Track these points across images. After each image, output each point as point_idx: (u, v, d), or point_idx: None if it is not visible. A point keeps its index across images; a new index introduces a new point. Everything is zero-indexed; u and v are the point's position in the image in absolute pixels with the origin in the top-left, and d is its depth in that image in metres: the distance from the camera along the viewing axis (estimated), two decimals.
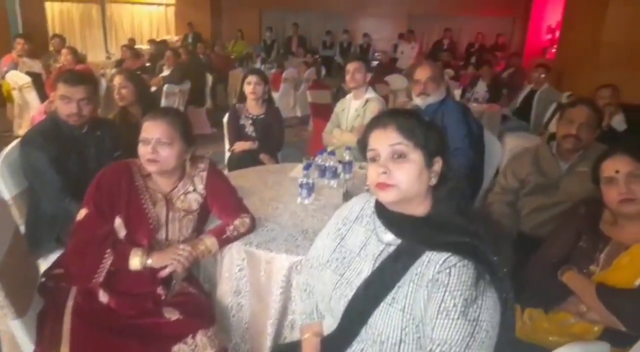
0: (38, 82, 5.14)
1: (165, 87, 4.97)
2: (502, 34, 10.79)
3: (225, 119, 3.21)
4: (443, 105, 2.42)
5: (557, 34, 9.98)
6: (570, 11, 5.83)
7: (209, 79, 6.48)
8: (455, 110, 2.37)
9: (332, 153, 2.34)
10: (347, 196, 2.07)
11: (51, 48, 6.55)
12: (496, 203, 2.13)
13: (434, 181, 1.12)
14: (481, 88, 5.59)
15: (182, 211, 1.67)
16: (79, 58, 4.78)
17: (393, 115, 1.15)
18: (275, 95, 7.96)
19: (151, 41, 9.96)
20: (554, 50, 9.93)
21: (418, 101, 2.47)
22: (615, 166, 1.46)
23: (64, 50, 4.70)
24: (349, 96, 3.24)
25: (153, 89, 5.22)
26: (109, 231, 1.56)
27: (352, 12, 12.40)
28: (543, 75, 5.03)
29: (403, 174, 1.08)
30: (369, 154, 1.15)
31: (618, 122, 3.67)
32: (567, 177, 1.92)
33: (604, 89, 3.65)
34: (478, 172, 2.40)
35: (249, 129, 3.08)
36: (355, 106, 3.14)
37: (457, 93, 5.11)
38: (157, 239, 1.63)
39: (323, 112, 5.49)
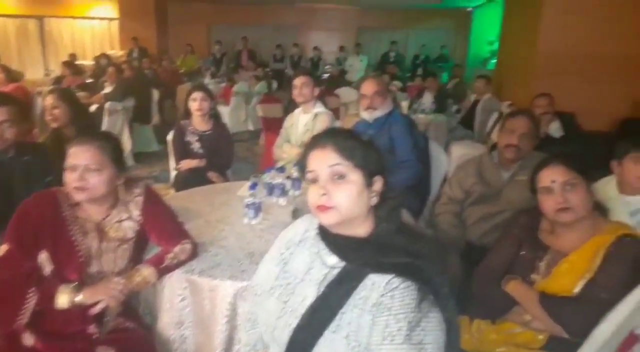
0: None
1: (107, 104, 4.76)
2: (445, 46, 11.25)
3: (170, 136, 3.09)
4: (390, 117, 2.45)
5: (496, 46, 10.53)
6: (507, 23, 6.13)
7: (155, 94, 6.28)
8: (402, 123, 2.40)
9: (282, 169, 2.29)
10: (297, 214, 2.02)
11: None
12: (444, 214, 2.16)
13: (374, 201, 1.10)
14: (427, 99, 5.74)
15: (116, 241, 1.56)
16: (12, 76, 4.48)
17: (331, 135, 1.12)
18: (226, 109, 7.89)
19: (96, 57, 9.58)
20: (494, 61, 10.44)
21: (366, 115, 2.48)
22: (551, 176, 1.50)
23: None
24: (297, 110, 3.22)
25: (94, 107, 4.98)
26: (32, 267, 1.43)
27: (302, 25, 12.52)
28: (484, 86, 5.24)
29: (343, 195, 1.05)
30: (308, 176, 1.11)
31: (555, 129, 3.85)
32: (508, 186, 1.97)
33: (541, 98, 3.82)
34: (425, 183, 2.43)
35: (196, 146, 2.98)
36: (305, 120, 3.12)
37: (404, 105, 5.22)
38: (89, 273, 1.51)
39: (274, 126, 5.44)
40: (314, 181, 1.09)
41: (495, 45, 10.43)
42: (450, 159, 4.96)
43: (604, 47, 4.66)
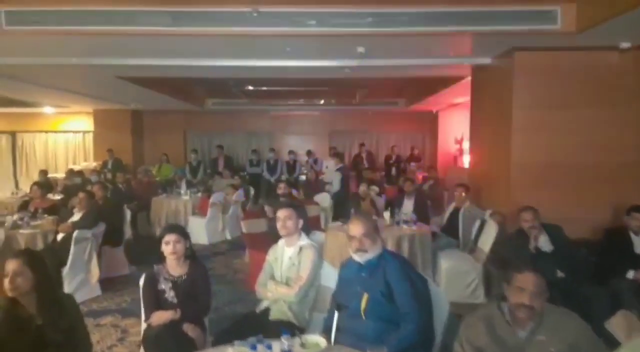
0: None
1: (75, 233, 4.48)
2: (415, 146, 11.76)
3: (141, 283, 2.82)
4: (382, 260, 2.29)
5: (464, 144, 11.04)
6: (475, 129, 6.38)
7: (127, 214, 6.04)
8: (397, 267, 2.24)
9: (269, 346, 2.01)
10: None
11: None
12: None
13: None
14: (407, 208, 5.71)
15: None
16: None
17: None
18: (203, 220, 7.69)
19: (68, 172, 9.41)
20: (464, 158, 10.85)
21: (356, 258, 2.32)
22: None
23: None
24: (281, 243, 3.04)
25: (60, 235, 4.69)
26: None
27: (276, 131, 12.95)
28: (464, 195, 5.27)
29: None
30: None
31: (544, 242, 3.79)
32: (530, 348, 1.78)
33: (526, 212, 3.80)
34: (428, 332, 2.22)
35: (170, 295, 2.69)
36: (289, 254, 2.94)
37: (386, 216, 5.14)
38: None
39: (259, 242, 5.21)
40: None
41: (463, 144, 10.93)
42: (440, 272, 4.86)
43: (575, 157, 4.86)
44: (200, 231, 7.65)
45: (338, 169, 8.61)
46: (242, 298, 4.83)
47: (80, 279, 4.63)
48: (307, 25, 3.90)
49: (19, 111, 11.32)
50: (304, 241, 2.95)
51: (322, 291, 2.87)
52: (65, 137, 12.50)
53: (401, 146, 12.15)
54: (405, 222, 5.00)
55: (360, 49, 4.50)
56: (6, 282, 2.06)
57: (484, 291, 4.57)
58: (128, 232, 6.58)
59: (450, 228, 5.36)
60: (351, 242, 2.34)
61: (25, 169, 12.23)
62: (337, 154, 11.07)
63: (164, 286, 2.70)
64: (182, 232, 2.75)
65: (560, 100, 4.92)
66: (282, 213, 2.94)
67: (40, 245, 4.77)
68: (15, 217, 4.95)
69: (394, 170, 10.75)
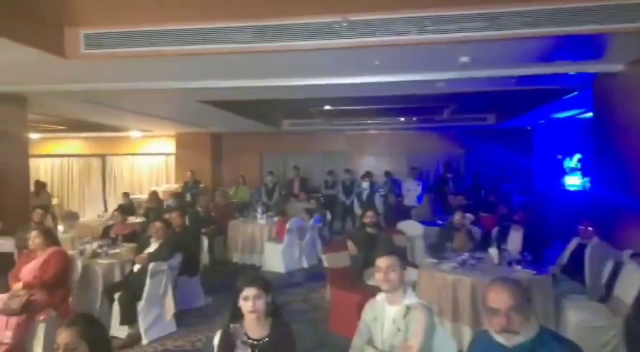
0: (4, 264, 4.41)
1: (150, 266, 4.22)
2: (507, 166, 10.53)
3: (215, 342, 2.36)
4: (540, 346, 1.61)
5: (567, 163, 9.76)
6: (601, 150, 5.32)
7: (205, 241, 5.80)
8: None
9: None
10: None
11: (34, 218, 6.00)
12: None
13: None
14: (515, 242, 4.85)
15: None
16: (51, 239, 4.11)
17: None
18: (280, 246, 7.32)
19: (151, 194, 9.59)
20: (568, 179, 9.57)
21: (501, 339, 1.66)
22: None
23: (33, 233, 4.06)
24: (380, 298, 2.46)
25: (137, 266, 4.46)
26: None
27: (352, 151, 12.46)
28: (590, 229, 4.33)
29: None
30: None
31: None
32: None
33: None
34: None
35: None
36: (392, 315, 2.34)
37: (493, 253, 4.33)
38: None
39: (342, 279, 4.69)
40: None
41: (569, 162, 9.65)
42: (566, 327, 3.94)
43: None
44: (277, 258, 7.30)
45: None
46: (325, 343, 4.29)
47: (156, 314, 4.37)
48: (404, 33, 3.35)
49: (108, 135, 11.93)
50: (411, 298, 2.35)
51: None
52: (149, 159, 12.98)
53: (490, 166, 11.05)
54: (518, 261, 4.17)
55: (464, 59, 3.85)
56: None
57: None
58: (205, 259, 6.38)
59: (573, 269, 4.43)
60: (492, 318, 1.69)
61: (113, 190, 12.83)
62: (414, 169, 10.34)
63: (241, 350, 2.21)
64: (263, 285, 2.26)
65: None
66: (383, 262, 2.37)
67: (117, 276, 4.60)
68: (95, 245, 4.84)
69: (483, 193, 9.73)
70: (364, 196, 9.24)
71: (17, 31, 3.37)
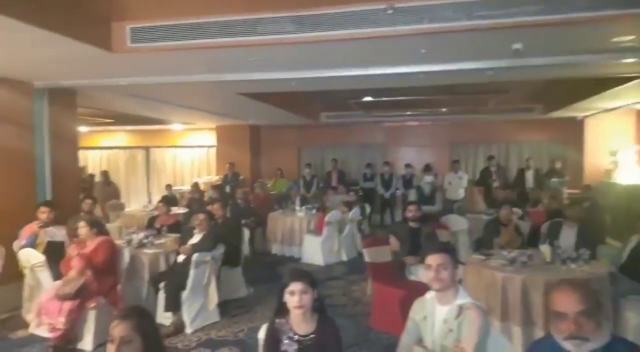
0: (57, 253, 4.58)
1: (194, 256, 4.29)
2: (556, 158, 9.95)
3: (260, 336, 2.33)
4: None
5: (620, 156, 9.18)
6: None
7: (246, 234, 5.84)
8: None
9: None
10: None
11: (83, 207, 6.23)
12: None
13: None
14: (568, 239, 4.58)
15: None
16: (99, 229, 4.24)
17: None
18: (319, 239, 7.29)
19: (193, 185, 9.90)
20: (620, 173, 9.02)
21: (569, 346, 1.53)
22: None
23: (80, 223, 4.20)
24: (430, 297, 2.36)
25: (181, 257, 4.55)
26: None
27: (391, 143, 12.22)
28: None
29: None
30: None
31: None
32: None
33: None
34: None
35: None
36: (444, 315, 2.24)
37: (544, 250, 4.11)
38: None
39: (383, 274, 4.61)
40: None
41: (621, 156, 9.12)
42: (625, 329, 3.71)
43: None
44: (316, 251, 7.28)
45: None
46: (367, 339, 4.23)
47: (200, 304, 4.44)
48: (453, 19, 3.19)
49: (152, 128, 12.25)
50: (464, 298, 2.23)
51: None
52: (191, 152, 13.25)
53: (536, 158, 10.53)
54: (572, 259, 3.95)
55: (517, 46, 3.63)
56: (111, 349, 1.69)
57: None
58: (246, 250, 6.45)
59: (633, 267, 4.15)
60: (559, 323, 1.56)
61: (156, 181, 13.21)
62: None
63: (287, 347, 2.17)
64: (309, 280, 2.21)
65: None
66: (434, 260, 2.27)
67: (162, 266, 4.70)
68: (141, 235, 4.96)
69: (531, 183, 9.31)
70: (426, 190, 9.01)
71: (67, 27, 3.45)
